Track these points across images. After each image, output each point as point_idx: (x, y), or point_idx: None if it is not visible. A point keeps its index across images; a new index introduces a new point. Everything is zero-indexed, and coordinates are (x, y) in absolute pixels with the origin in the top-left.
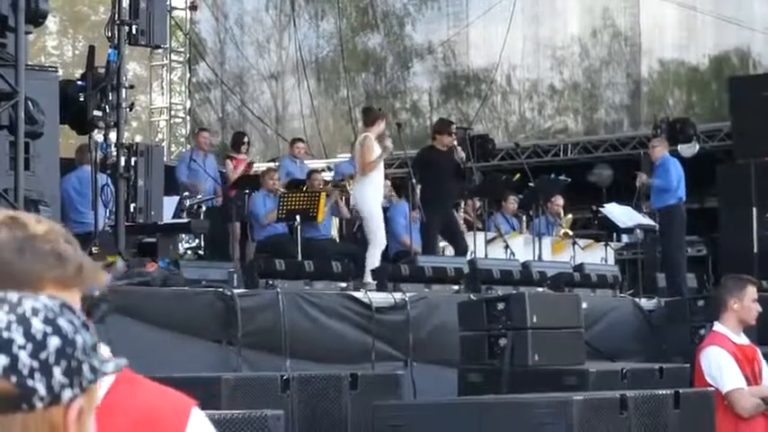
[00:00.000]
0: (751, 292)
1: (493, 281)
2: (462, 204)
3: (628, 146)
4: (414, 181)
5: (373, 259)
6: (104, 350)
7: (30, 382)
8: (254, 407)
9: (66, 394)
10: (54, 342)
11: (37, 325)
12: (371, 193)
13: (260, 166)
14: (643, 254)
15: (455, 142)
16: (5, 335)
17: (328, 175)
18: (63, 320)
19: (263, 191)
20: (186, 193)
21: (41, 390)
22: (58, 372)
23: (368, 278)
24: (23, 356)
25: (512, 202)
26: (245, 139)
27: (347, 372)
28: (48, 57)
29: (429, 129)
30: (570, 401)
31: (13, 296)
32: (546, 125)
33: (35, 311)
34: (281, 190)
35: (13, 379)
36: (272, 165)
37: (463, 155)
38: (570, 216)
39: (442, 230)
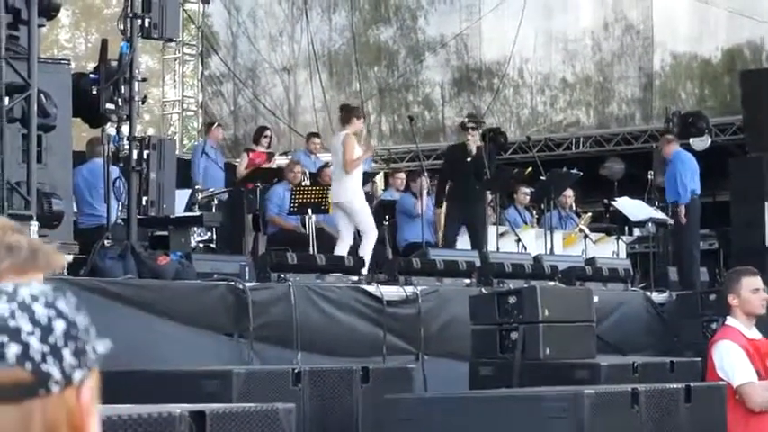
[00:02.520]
0: (747, 283)
1: (504, 274)
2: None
3: (640, 139)
4: (425, 174)
5: (367, 251)
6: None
7: (44, 367)
8: (266, 400)
9: (77, 375)
10: (60, 325)
11: (40, 310)
12: (357, 188)
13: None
14: (655, 247)
15: (479, 142)
16: (12, 323)
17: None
18: (61, 302)
19: (285, 183)
20: (198, 187)
21: (56, 373)
22: (67, 353)
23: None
24: (34, 342)
25: (523, 194)
26: (268, 133)
27: (359, 365)
28: (60, 50)
29: (441, 122)
30: (581, 395)
31: (7, 286)
32: (558, 118)
33: (34, 297)
34: (306, 182)
35: (28, 366)
36: (293, 158)
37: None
38: (589, 215)
39: (466, 226)
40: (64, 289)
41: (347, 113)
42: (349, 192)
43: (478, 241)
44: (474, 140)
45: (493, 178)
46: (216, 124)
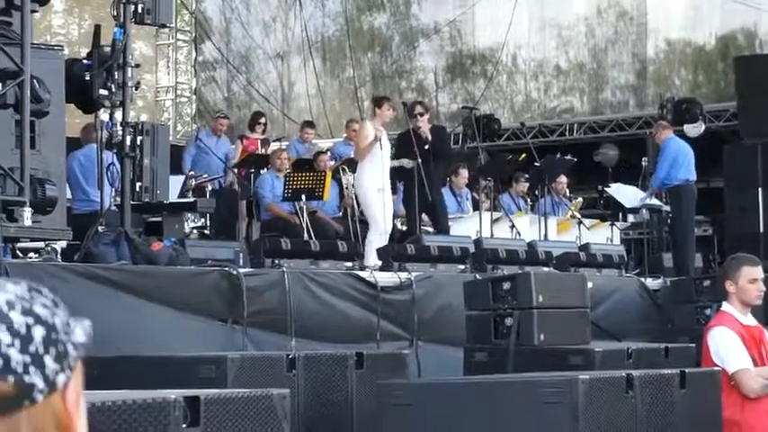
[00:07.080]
0: (747, 272)
1: (499, 260)
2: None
3: (634, 126)
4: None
5: (372, 243)
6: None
7: (27, 378)
8: (260, 386)
9: (61, 379)
10: (39, 332)
11: (17, 319)
12: (366, 179)
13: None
14: (649, 234)
15: (418, 124)
16: None
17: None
18: (38, 306)
19: (272, 170)
20: (191, 173)
21: (39, 382)
22: (49, 360)
23: (368, 261)
24: (14, 354)
25: (522, 183)
26: (262, 120)
27: (353, 351)
28: (53, 36)
29: (435, 108)
30: (576, 381)
31: None
32: (552, 105)
33: (11, 305)
34: (288, 169)
35: (11, 379)
36: (281, 145)
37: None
38: (581, 200)
39: (427, 212)
40: (38, 287)
41: (374, 103)
42: (356, 181)
43: (441, 225)
44: (425, 125)
45: (488, 164)
46: (220, 115)
